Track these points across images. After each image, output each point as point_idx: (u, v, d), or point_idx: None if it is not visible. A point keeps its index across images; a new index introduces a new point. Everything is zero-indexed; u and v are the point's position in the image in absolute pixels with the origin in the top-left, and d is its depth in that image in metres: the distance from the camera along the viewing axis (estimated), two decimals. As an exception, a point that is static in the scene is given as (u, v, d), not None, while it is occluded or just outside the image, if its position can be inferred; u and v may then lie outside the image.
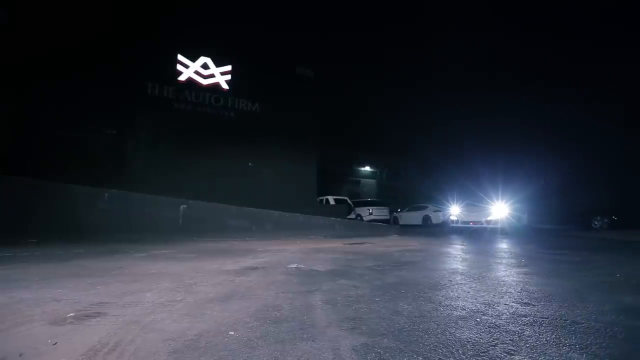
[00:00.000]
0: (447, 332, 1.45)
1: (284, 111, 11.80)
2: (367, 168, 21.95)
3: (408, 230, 11.45)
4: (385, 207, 15.13)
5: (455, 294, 2.15)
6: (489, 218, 11.02)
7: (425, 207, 14.22)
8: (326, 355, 1.22)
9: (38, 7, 8.42)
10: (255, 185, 10.46)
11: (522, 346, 1.30)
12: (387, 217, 14.83)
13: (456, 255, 4.27)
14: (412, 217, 14.45)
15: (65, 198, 7.54)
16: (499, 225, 10.12)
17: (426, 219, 13.78)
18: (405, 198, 18.36)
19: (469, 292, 2.22)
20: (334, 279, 2.67)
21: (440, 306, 1.87)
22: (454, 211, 12.67)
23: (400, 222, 14.34)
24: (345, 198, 14.50)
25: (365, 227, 10.97)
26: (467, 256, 4.17)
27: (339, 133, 17.31)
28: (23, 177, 7.20)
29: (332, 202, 13.74)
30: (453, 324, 1.55)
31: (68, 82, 8.59)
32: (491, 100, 17.62)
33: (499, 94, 17.22)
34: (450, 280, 2.59)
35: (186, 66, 11.35)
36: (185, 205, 8.43)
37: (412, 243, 6.11)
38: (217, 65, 11.73)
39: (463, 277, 2.75)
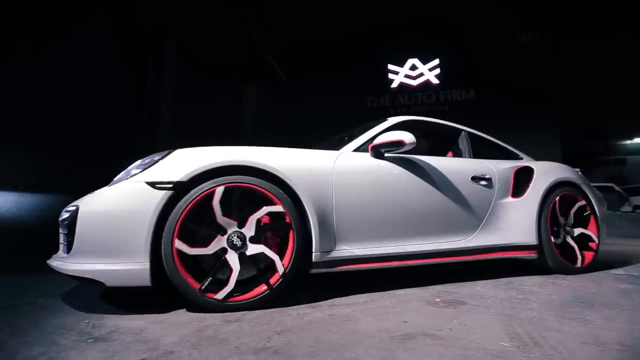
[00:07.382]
0: None
1: (508, 92, 10.30)
2: (638, 140, 15.61)
3: None
4: None
5: None
6: None
7: None
8: None
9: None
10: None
11: None
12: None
13: None
14: None
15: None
16: None
17: None
18: None
19: None
20: None
21: None
22: None
23: None
24: (612, 184, 10.84)
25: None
26: None
27: (584, 102, 13.31)
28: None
29: (590, 190, 10.61)
30: None
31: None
32: None
33: None
34: None
35: (396, 73, 12.04)
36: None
37: None
38: (424, 62, 11.75)
39: None
